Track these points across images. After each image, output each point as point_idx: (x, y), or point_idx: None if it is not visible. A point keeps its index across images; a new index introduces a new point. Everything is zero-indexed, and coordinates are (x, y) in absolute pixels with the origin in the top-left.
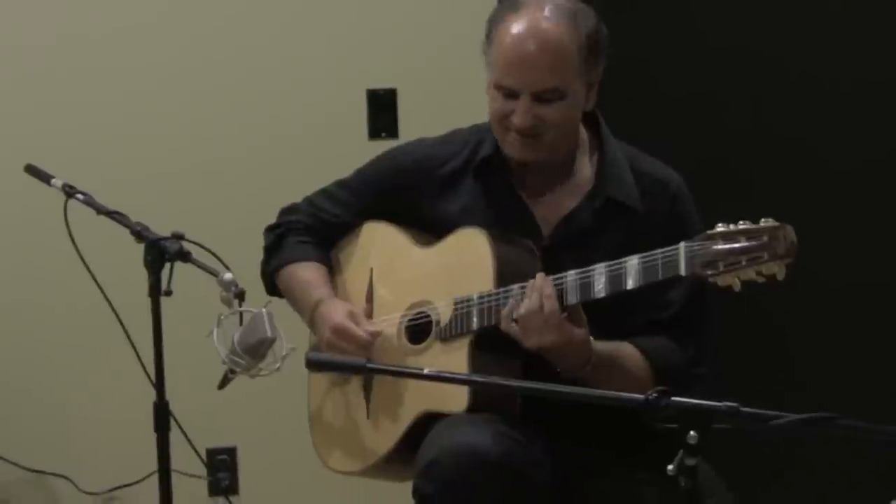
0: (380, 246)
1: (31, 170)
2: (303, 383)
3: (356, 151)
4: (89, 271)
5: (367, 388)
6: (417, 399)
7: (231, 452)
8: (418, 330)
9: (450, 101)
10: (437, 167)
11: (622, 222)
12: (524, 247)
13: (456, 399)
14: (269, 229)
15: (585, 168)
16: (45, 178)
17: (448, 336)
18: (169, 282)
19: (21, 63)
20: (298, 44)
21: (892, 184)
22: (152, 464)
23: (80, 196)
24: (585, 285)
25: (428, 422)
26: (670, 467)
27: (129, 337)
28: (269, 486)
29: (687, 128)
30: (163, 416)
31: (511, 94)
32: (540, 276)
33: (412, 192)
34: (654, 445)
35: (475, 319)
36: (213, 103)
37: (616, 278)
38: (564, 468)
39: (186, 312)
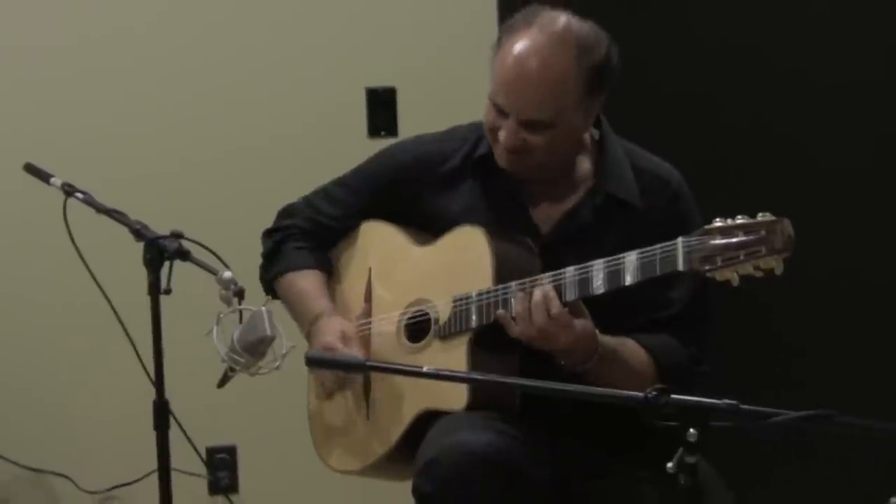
0: (378, 245)
1: (31, 168)
2: (303, 382)
3: (355, 150)
4: (89, 270)
5: (366, 387)
6: (417, 397)
7: (231, 451)
8: (417, 328)
9: (449, 99)
10: (437, 164)
11: (622, 219)
12: (523, 244)
13: (455, 397)
14: (267, 234)
15: (585, 165)
16: (44, 176)
17: (447, 334)
18: (168, 280)
19: (20, 62)
20: (297, 42)
21: (889, 180)
22: (152, 462)
23: (79, 195)
24: (584, 281)
25: (428, 420)
26: (670, 465)
27: (128, 335)
28: (268, 484)
29: (684, 126)
30: (162, 414)
31: (501, 113)
32: (538, 290)
33: (411, 189)
34: (653, 443)
35: (474, 317)
36: (212, 102)
37: (614, 274)
38: (563, 466)
39: (186, 311)
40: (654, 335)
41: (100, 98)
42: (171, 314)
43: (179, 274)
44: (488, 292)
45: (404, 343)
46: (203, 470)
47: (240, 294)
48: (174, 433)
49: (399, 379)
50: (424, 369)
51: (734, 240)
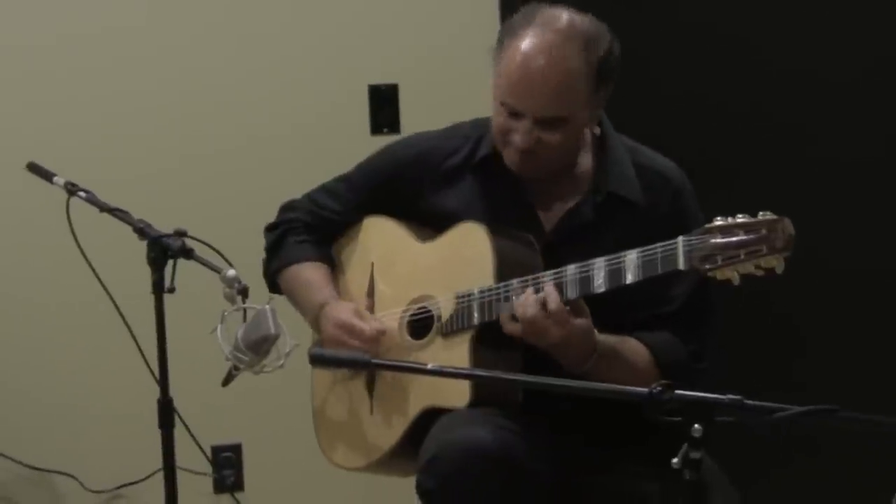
0: (380, 241)
1: (34, 168)
2: (307, 380)
3: (358, 147)
4: (92, 269)
5: (370, 384)
6: (420, 394)
7: (236, 449)
8: (420, 325)
9: (451, 96)
10: (439, 161)
11: (624, 217)
12: (524, 241)
13: (458, 394)
14: (269, 229)
15: (587, 162)
16: (47, 176)
17: (449, 331)
18: (172, 279)
19: (23, 62)
20: (300, 39)
21: (890, 176)
22: (157, 461)
23: (82, 194)
24: (585, 279)
25: (431, 417)
26: (675, 460)
27: (132, 334)
28: (274, 482)
29: (683, 123)
30: (167, 413)
31: (514, 114)
32: (534, 296)
33: (413, 185)
34: (655, 439)
35: (476, 314)
36: (214, 99)
37: (615, 273)
38: (566, 462)
39: (190, 309)
40: (655, 332)
41: (102, 97)
42: (174, 313)
43: (183, 272)
44: (490, 289)
45: (407, 339)
46: (208, 468)
47: (244, 292)
48: (179, 432)
49: (403, 376)
50: (429, 366)
51: (735, 239)
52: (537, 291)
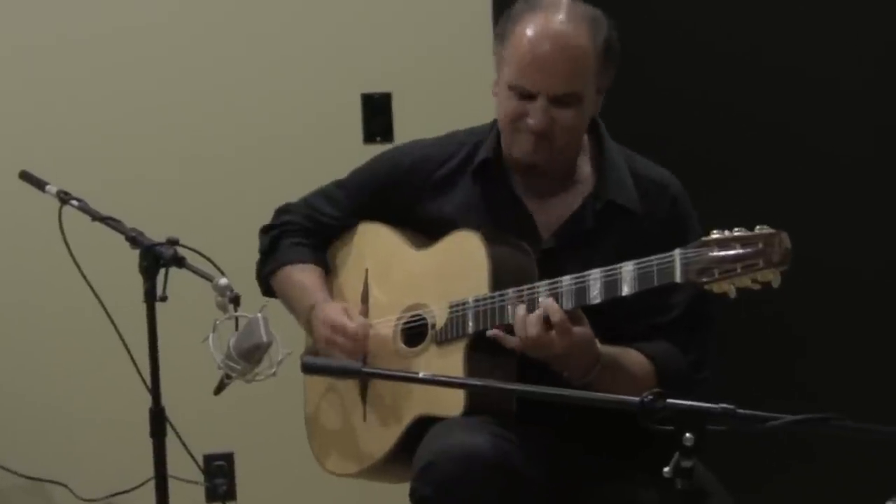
0: (375, 247)
1: (26, 176)
2: (299, 388)
3: (351, 155)
4: (84, 277)
5: (363, 391)
6: (414, 402)
7: (228, 458)
8: (414, 333)
9: (444, 104)
10: (435, 168)
11: (622, 225)
12: (520, 249)
13: (452, 403)
14: (265, 230)
15: (585, 168)
16: (39, 184)
17: (444, 339)
18: (164, 287)
19: (14, 69)
20: (293, 48)
21: (888, 178)
22: (149, 470)
23: (74, 202)
24: (581, 290)
25: (424, 425)
26: (666, 469)
27: (124, 343)
28: (266, 491)
29: (679, 125)
30: (159, 422)
31: (527, 95)
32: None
33: (409, 192)
34: (651, 448)
35: (471, 323)
36: (207, 108)
37: (611, 284)
38: (561, 470)
39: (182, 318)
40: (654, 342)
41: (94, 105)
42: (167, 321)
43: (175, 281)
44: (485, 298)
45: (401, 347)
46: (200, 477)
47: (236, 301)
48: (171, 440)
49: (396, 384)
50: (421, 374)
51: (731, 252)
52: (531, 305)
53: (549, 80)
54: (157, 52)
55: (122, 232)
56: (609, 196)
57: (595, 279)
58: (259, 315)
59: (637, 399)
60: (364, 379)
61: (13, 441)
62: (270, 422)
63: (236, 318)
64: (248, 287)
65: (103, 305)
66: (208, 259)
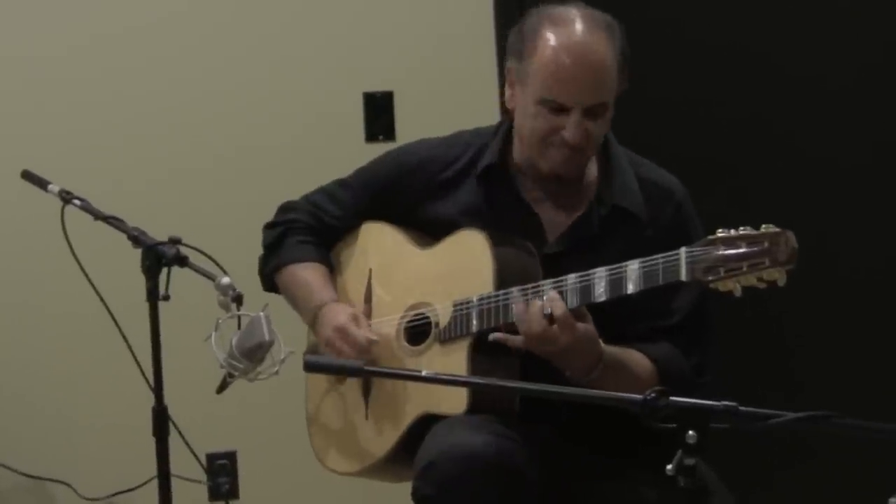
0: (379, 246)
1: (28, 176)
2: (302, 387)
3: (353, 154)
4: (87, 277)
5: (365, 390)
6: (416, 401)
7: (231, 457)
8: (417, 331)
9: (447, 103)
10: (440, 170)
11: (627, 229)
12: (524, 249)
13: (455, 401)
14: (269, 227)
15: (592, 174)
16: (41, 184)
17: (447, 338)
18: (167, 286)
19: (17, 70)
20: (295, 47)
21: (889, 181)
22: (152, 469)
23: (76, 202)
24: (585, 288)
25: (426, 423)
26: (669, 467)
27: (127, 342)
28: (269, 490)
29: (681, 129)
30: (162, 421)
31: (560, 109)
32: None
33: (413, 193)
34: (653, 446)
35: (474, 321)
36: (209, 107)
37: (616, 282)
38: (563, 469)
39: (184, 317)
40: (657, 345)
41: (96, 105)
42: (169, 320)
43: (178, 280)
44: (489, 297)
45: (404, 346)
46: (203, 476)
47: (238, 300)
48: (174, 439)
49: (398, 382)
50: (423, 373)
51: (737, 251)
52: (532, 305)
53: (583, 92)
54: (158, 51)
55: (124, 231)
56: (614, 200)
57: (600, 277)
58: (261, 314)
59: (640, 397)
60: (366, 377)
61: (16, 440)
62: (273, 420)
63: (239, 317)
64: (251, 286)
65: (106, 305)
66: (211, 258)
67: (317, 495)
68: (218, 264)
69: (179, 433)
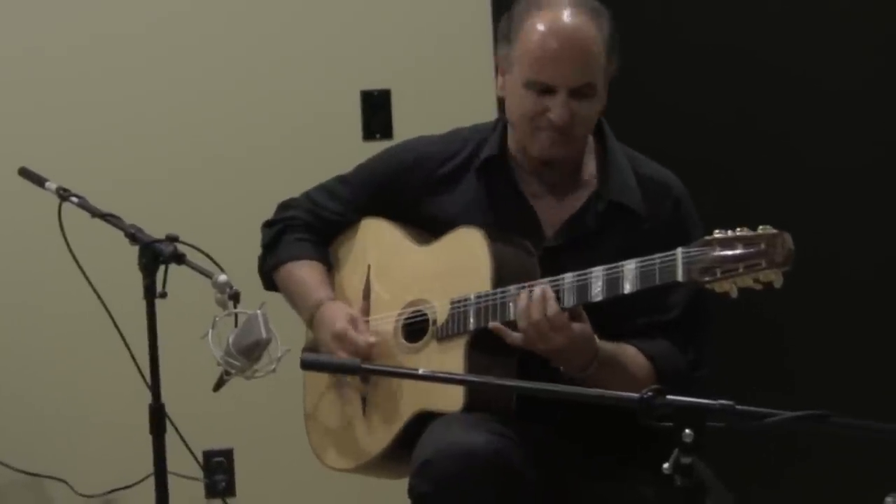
0: (377, 243)
1: (25, 173)
2: (299, 385)
3: (350, 152)
4: (84, 274)
5: (363, 387)
6: (413, 398)
7: (228, 454)
8: (415, 329)
9: (444, 101)
10: (438, 166)
11: (625, 225)
12: (522, 247)
13: (452, 399)
14: (268, 225)
15: (590, 167)
16: (38, 181)
17: (444, 335)
18: (164, 284)
19: (14, 67)
20: (292, 45)
21: (885, 180)
22: (149, 466)
23: (74, 199)
24: (582, 288)
25: (423, 420)
26: (666, 466)
27: (124, 339)
28: (265, 487)
29: (676, 130)
30: (158, 418)
31: (546, 91)
32: (538, 288)
33: (412, 189)
34: (650, 445)
35: (472, 319)
36: (207, 105)
37: (613, 282)
38: (560, 467)
39: (181, 314)
40: (653, 341)
41: (94, 102)
42: (166, 318)
43: (175, 277)
44: (486, 295)
45: (401, 343)
46: (200, 473)
47: (235, 297)
48: (170, 437)
49: (395, 380)
50: (420, 371)
51: (734, 252)
52: (531, 297)
53: (567, 72)
54: (155, 49)
55: (121, 228)
56: (612, 196)
57: (597, 277)
58: (258, 312)
59: (636, 396)
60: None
61: (12, 437)
62: (270, 418)
63: (236, 315)
64: (248, 284)
65: (103, 302)
66: (208, 256)
67: (314, 492)
68: (215, 262)
69: (176, 430)
